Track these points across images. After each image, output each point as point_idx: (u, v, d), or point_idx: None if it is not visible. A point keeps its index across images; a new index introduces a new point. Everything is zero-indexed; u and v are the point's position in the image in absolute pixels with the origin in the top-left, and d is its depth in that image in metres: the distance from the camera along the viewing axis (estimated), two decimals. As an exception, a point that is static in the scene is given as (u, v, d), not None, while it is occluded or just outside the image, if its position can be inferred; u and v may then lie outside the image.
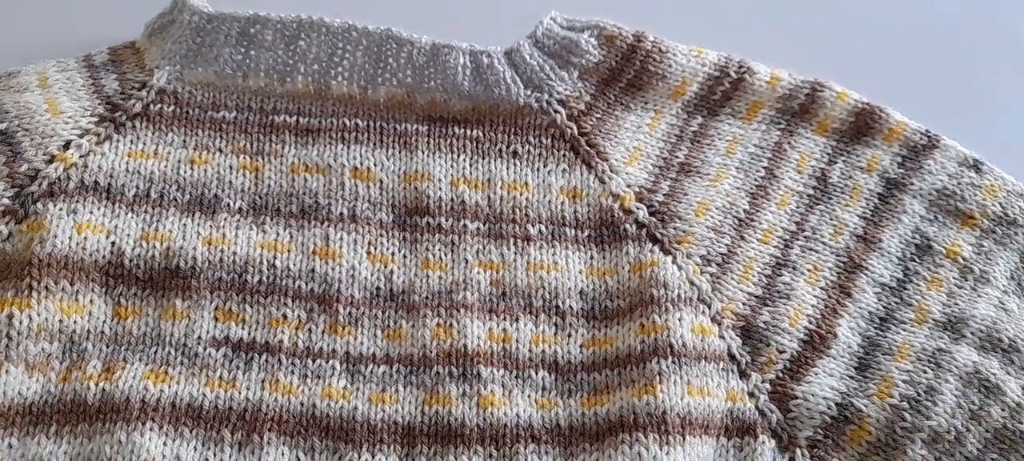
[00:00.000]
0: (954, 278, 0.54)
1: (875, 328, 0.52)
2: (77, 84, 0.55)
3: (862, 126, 0.57)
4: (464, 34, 0.56)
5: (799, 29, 0.66)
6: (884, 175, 0.56)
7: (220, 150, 0.54)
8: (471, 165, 0.54)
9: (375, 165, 0.54)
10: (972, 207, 0.55)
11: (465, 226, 0.53)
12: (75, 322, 0.49)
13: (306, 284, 0.51)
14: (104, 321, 0.50)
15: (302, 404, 0.48)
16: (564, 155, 0.55)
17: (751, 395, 0.50)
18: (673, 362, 0.49)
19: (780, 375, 0.51)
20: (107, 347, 0.49)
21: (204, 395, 0.48)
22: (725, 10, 0.66)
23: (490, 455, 0.48)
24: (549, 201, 0.54)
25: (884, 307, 0.53)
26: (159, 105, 0.55)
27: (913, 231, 0.55)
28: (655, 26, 0.57)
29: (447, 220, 0.53)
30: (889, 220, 0.55)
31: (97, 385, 0.48)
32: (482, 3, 0.64)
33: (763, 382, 0.51)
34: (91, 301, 0.50)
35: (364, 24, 0.55)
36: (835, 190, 0.56)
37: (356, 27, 0.55)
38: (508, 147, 0.55)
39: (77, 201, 0.51)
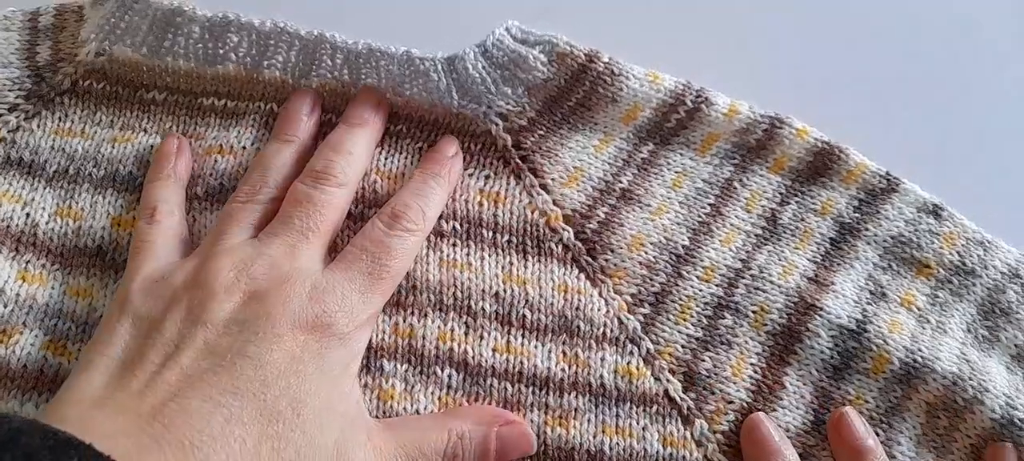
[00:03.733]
0: (912, 326, 0.51)
1: (828, 378, 0.49)
2: (13, 47, 0.54)
3: (820, 166, 0.54)
4: (441, 40, 0.54)
5: (771, 59, 0.63)
6: (838, 219, 0.53)
7: (145, 130, 0.53)
8: (386, 157, 0.53)
9: None
10: (928, 255, 0.53)
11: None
12: None
13: None
14: (5, 280, 0.48)
15: None
16: (490, 162, 0.52)
17: (698, 443, 0.48)
18: (590, 400, 0.48)
19: (734, 427, 0.48)
20: (4, 307, 0.48)
21: None
22: (724, 29, 0.63)
23: None
24: (466, 200, 0.52)
25: (840, 354, 0.50)
26: (88, 81, 0.53)
27: (866, 278, 0.52)
28: (653, 33, 0.55)
29: (357, 207, 0.51)
30: (841, 266, 0.52)
31: None
32: (454, 9, 0.61)
33: (712, 432, 0.48)
34: None
35: (296, 27, 0.53)
36: (785, 231, 0.53)
37: (288, 30, 0.53)
38: (429, 143, 0.53)
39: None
